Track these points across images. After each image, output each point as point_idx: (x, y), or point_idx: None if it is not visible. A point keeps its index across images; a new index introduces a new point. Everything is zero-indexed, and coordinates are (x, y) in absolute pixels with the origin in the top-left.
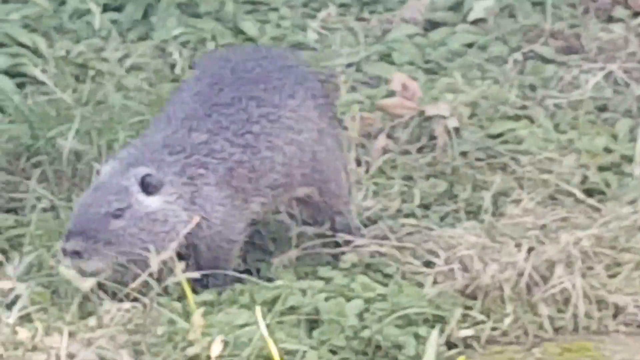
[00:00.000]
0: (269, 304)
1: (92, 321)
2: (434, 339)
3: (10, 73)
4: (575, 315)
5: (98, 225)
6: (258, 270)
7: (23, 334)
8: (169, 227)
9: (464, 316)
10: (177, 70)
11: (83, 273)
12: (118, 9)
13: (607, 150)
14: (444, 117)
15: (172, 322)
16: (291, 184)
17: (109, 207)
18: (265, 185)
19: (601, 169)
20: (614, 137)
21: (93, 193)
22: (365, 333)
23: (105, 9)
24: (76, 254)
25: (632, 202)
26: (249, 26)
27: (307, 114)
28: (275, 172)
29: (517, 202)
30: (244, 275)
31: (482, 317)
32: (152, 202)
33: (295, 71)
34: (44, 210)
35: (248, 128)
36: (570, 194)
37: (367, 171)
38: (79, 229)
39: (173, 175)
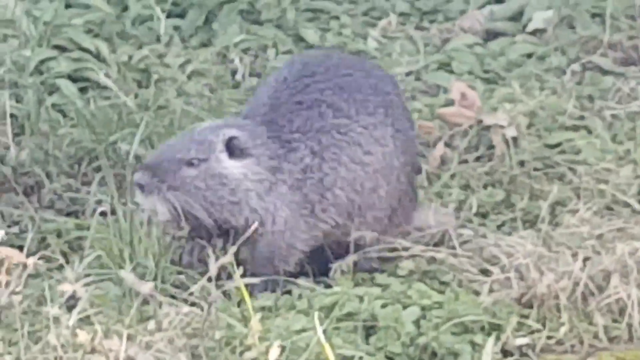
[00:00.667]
0: (327, 310)
1: (151, 325)
2: (490, 347)
3: (73, 78)
4: (630, 325)
5: (169, 167)
6: (315, 275)
7: (82, 336)
8: (235, 199)
9: (520, 324)
10: (238, 77)
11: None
12: (180, 15)
13: None
14: (502, 127)
15: (230, 326)
16: (350, 214)
17: (187, 154)
18: (331, 202)
19: None
20: None
21: (179, 138)
22: (422, 340)
23: (168, 15)
24: (139, 187)
25: None
26: (310, 34)
27: (381, 136)
28: (338, 188)
29: (574, 212)
30: (302, 281)
31: (537, 326)
32: (231, 166)
33: (385, 93)
34: (104, 214)
35: (319, 137)
36: (626, 205)
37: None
38: (151, 164)
39: (261, 155)
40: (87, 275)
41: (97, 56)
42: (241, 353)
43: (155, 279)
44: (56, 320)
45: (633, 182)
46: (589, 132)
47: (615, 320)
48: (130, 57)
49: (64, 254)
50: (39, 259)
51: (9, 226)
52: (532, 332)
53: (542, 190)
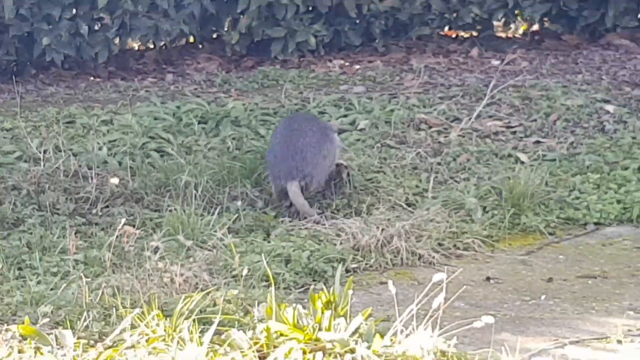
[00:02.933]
0: (268, 252)
1: None
2: (340, 268)
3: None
4: (399, 253)
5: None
6: None
7: None
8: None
9: (353, 258)
10: None
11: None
12: None
13: None
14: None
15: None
16: None
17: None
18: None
19: None
20: None
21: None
22: (310, 265)
23: None
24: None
25: None
26: None
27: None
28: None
29: (377, 209)
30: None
31: (360, 259)
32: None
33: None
34: None
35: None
36: (400, 205)
37: None
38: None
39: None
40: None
41: None
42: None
43: None
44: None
45: (405, 194)
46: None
47: (394, 257)
48: None
49: None
50: None
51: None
52: (359, 262)
53: (364, 199)
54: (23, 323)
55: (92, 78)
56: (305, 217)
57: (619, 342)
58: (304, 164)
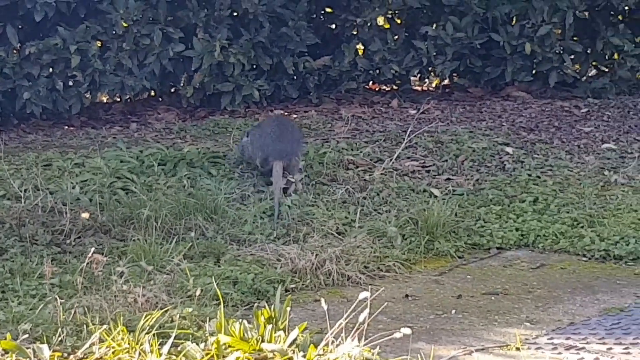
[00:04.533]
0: (220, 276)
1: None
2: (280, 288)
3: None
4: (330, 274)
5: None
6: None
7: None
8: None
9: (292, 280)
10: None
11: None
12: None
13: None
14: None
15: None
16: None
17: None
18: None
19: None
20: None
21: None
22: (255, 286)
23: None
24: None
25: None
26: None
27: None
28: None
29: (312, 237)
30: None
31: (297, 280)
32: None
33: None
34: None
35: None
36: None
37: None
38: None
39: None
40: None
41: None
42: None
43: None
44: None
45: (336, 224)
46: None
47: (326, 278)
48: None
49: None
50: None
51: None
52: (296, 282)
53: (301, 229)
54: (5, 339)
55: (66, 127)
56: (273, 192)
57: (518, 349)
58: (289, 149)
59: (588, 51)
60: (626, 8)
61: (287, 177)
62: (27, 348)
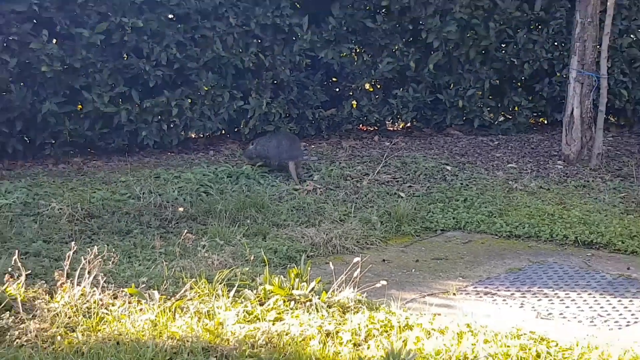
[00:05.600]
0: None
1: None
2: (304, 256)
3: None
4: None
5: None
6: None
7: None
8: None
9: (311, 250)
10: None
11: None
12: None
13: None
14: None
15: None
16: None
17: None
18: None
19: None
20: None
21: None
22: (288, 254)
23: None
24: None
25: None
26: None
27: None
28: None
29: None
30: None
31: (314, 250)
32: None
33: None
34: None
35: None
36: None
37: None
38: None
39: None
40: None
41: None
42: None
43: None
44: None
45: (339, 215)
46: None
47: (333, 249)
48: None
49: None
50: None
51: None
52: (314, 252)
53: (317, 218)
54: (131, 287)
55: (169, 153)
56: (293, 181)
57: (454, 294)
58: (298, 153)
59: (499, 105)
60: (523, 78)
61: (305, 179)
62: (145, 293)
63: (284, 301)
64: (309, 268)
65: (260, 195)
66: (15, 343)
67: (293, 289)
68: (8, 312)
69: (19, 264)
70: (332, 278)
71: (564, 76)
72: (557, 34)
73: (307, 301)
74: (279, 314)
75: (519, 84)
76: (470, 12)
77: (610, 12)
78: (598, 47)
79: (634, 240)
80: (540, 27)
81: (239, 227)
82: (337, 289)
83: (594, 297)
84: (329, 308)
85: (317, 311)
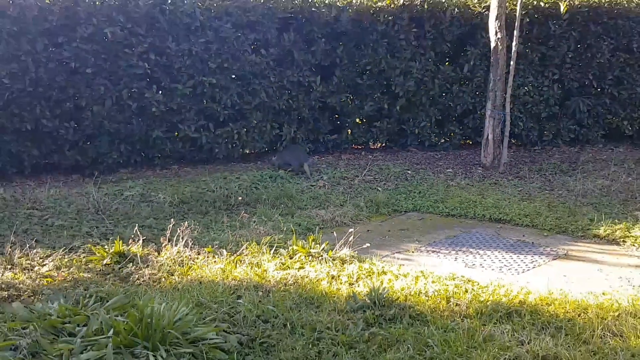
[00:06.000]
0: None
1: None
2: (317, 228)
3: None
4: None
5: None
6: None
7: None
8: None
9: (322, 224)
10: None
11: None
12: None
13: None
14: None
15: None
16: None
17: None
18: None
19: None
20: None
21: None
22: (308, 226)
23: None
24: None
25: None
26: None
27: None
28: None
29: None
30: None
31: (324, 224)
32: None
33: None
34: None
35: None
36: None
37: None
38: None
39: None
40: None
41: None
42: None
43: None
44: None
45: (339, 202)
46: None
47: (335, 223)
48: None
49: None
50: None
51: None
52: (324, 225)
53: (325, 204)
54: (208, 247)
55: (233, 163)
56: (309, 179)
57: (412, 252)
58: (305, 157)
59: (441, 132)
60: (456, 115)
61: (317, 179)
62: (217, 251)
63: (305, 256)
64: (321, 235)
65: (289, 189)
66: (135, 283)
67: (311, 248)
68: (131, 263)
69: (138, 233)
70: (335, 242)
71: (482, 114)
72: (478, 87)
73: (319, 256)
74: (302, 264)
75: (453, 118)
76: (423, 73)
77: (512, 73)
78: (504, 95)
79: (527, 218)
80: (467, 82)
81: (276, 210)
82: (338, 249)
83: (502, 254)
84: (334, 261)
85: (326, 262)
